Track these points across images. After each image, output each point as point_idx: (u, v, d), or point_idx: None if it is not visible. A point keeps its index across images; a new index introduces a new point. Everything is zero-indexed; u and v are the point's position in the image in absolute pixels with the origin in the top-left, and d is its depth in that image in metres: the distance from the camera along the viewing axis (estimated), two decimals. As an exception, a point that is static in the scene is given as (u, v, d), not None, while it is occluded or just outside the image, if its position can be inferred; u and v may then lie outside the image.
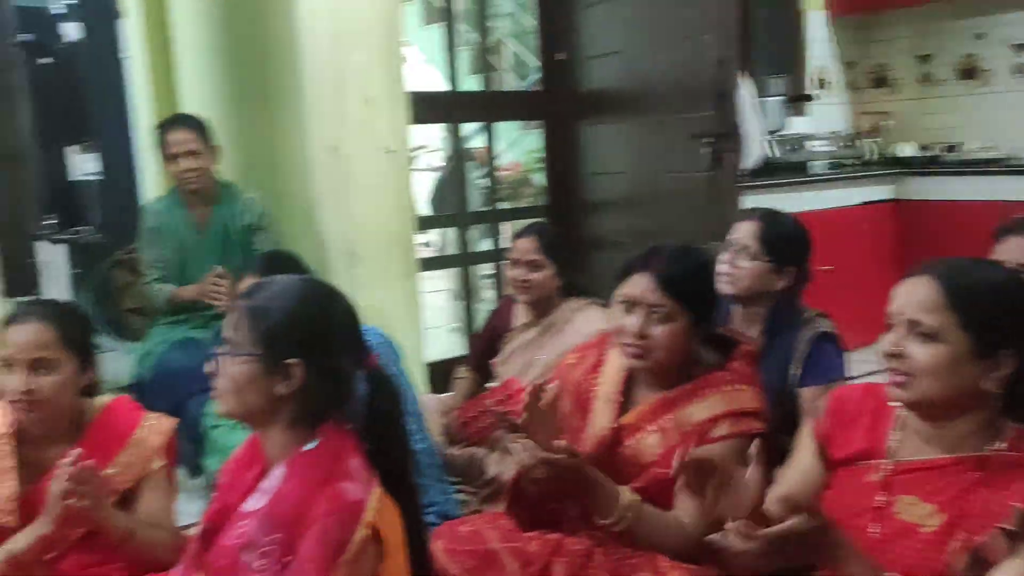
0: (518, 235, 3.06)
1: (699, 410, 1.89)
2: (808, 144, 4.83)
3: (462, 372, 3.24)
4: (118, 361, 3.48)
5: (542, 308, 3.00)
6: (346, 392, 1.48)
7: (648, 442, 1.93)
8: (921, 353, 1.45)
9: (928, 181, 4.85)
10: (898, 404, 1.55)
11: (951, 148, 5.03)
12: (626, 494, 1.82)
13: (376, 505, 1.37)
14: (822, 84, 5.31)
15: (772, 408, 2.32)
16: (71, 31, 5.89)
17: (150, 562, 1.81)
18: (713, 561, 1.69)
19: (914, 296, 1.48)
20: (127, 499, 1.95)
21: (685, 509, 1.85)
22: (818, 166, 4.77)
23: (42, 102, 5.95)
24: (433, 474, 2.47)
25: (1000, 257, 1.99)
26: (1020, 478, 1.41)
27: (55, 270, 4.82)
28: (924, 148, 5.08)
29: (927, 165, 4.95)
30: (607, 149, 4.29)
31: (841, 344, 2.41)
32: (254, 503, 1.42)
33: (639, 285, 1.88)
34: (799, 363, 2.35)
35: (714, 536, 1.43)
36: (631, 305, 1.90)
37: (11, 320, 1.90)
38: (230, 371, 1.43)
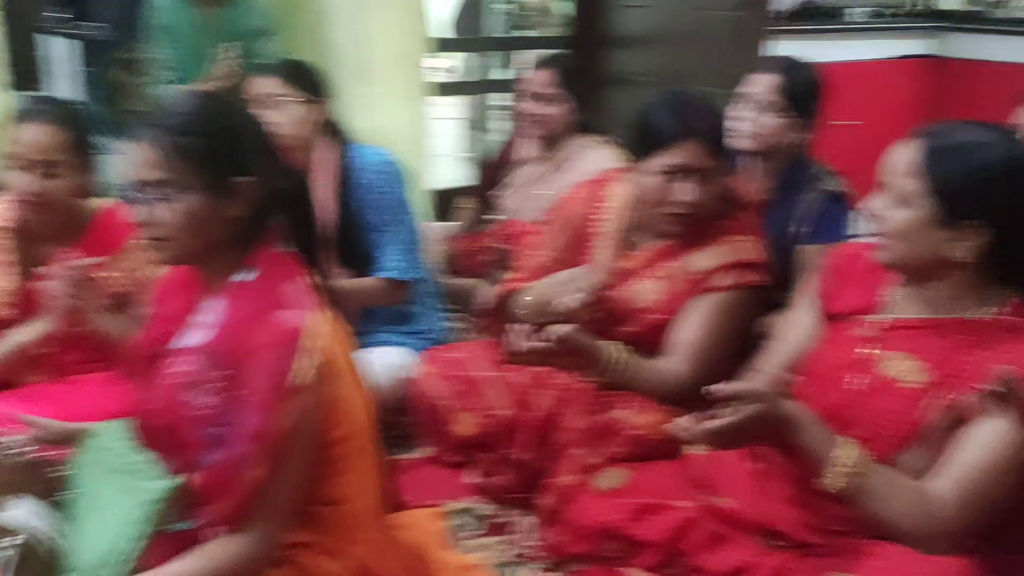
0: (534, 66, 2.94)
1: (700, 259, 1.88)
2: (850, -11, 4.57)
3: (466, 202, 3.21)
4: (117, 164, 3.45)
5: (553, 144, 2.93)
6: (278, 192, 1.41)
7: (646, 287, 1.93)
8: (893, 216, 1.45)
9: (971, 38, 4.61)
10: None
11: (998, 3, 4.75)
12: (613, 352, 1.82)
13: (316, 330, 1.31)
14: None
15: (777, 264, 2.31)
16: None
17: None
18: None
19: (898, 159, 1.46)
20: (123, 303, 1.98)
21: (679, 354, 1.87)
22: (857, 13, 4.52)
23: None
24: (429, 301, 2.49)
25: (1019, 120, 1.91)
26: (1011, 344, 1.42)
27: (65, 66, 4.71)
28: (971, 1, 4.80)
29: (971, 20, 4.70)
30: (637, -21, 4.07)
31: (849, 204, 2.36)
32: (193, 338, 1.36)
33: (692, 152, 1.80)
34: (805, 221, 2.30)
35: (672, 427, 1.46)
36: (684, 173, 1.83)
37: (22, 118, 1.89)
38: (178, 212, 1.32)
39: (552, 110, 2.84)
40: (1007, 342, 1.42)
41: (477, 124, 4.36)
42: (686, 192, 1.81)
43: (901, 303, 1.56)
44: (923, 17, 4.80)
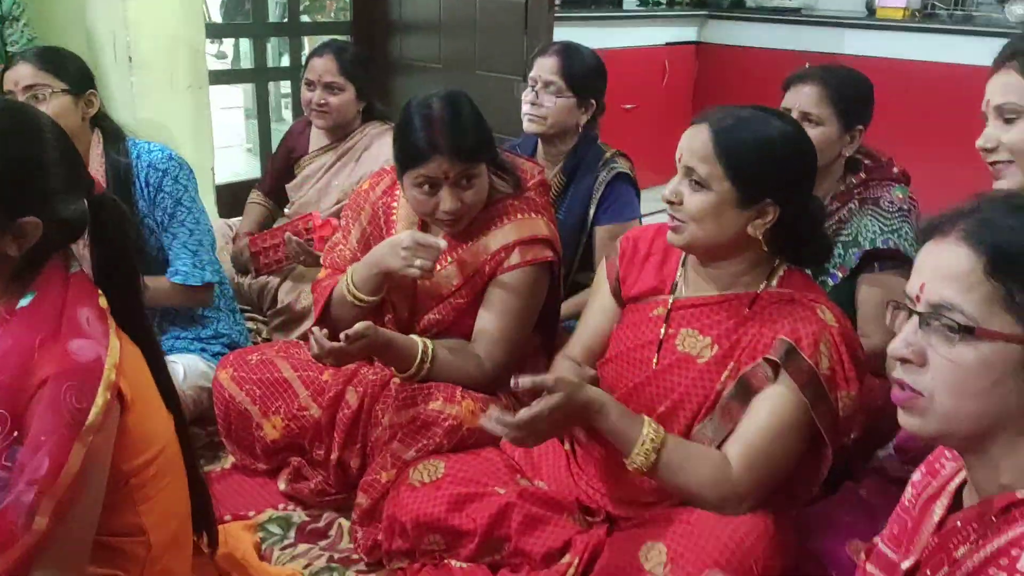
0: (314, 54, 2.84)
1: (494, 240, 1.90)
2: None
3: (255, 196, 3.07)
4: None
5: (340, 132, 2.85)
6: (72, 229, 1.24)
7: (446, 273, 1.92)
8: (692, 200, 1.51)
9: (731, 25, 4.97)
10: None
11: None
12: (420, 345, 1.82)
13: (116, 361, 1.17)
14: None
15: (572, 246, 2.38)
16: None
17: None
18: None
19: (691, 144, 1.52)
20: None
21: (484, 340, 1.88)
22: (628, 1, 4.74)
23: None
24: (224, 303, 2.36)
25: (787, 105, 2.07)
26: (786, 313, 1.52)
27: None
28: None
29: (729, 9, 5.06)
30: (418, -36, 4.05)
31: (636, 184, 2.48)
32: None
33: (441, 165, 1.79)
34: (597, 202, 2.40)
35: (483, 421, 1.48)
36: (437, 183, 1.82)
37: None
38: None
39: (337, 98, 2.77)
40: (783, 313, 1.53)
41: (264, 113, 4.18)
42: (447, 201, 1.82)
43: (690, 282, 1.64)
44: (688, 6, 5.11)
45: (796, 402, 1.47)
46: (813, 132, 1.98)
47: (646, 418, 1.48)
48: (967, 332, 0.90)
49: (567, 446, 1.74)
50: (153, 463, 1.26)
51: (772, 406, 1.48)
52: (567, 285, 2.31)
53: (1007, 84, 1.51)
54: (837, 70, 2.12)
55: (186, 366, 2.17)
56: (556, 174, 2.44)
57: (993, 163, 1.56)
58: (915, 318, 0.95)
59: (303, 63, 2.94)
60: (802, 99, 2.04)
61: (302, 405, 1.96)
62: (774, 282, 1.58)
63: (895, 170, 2.12)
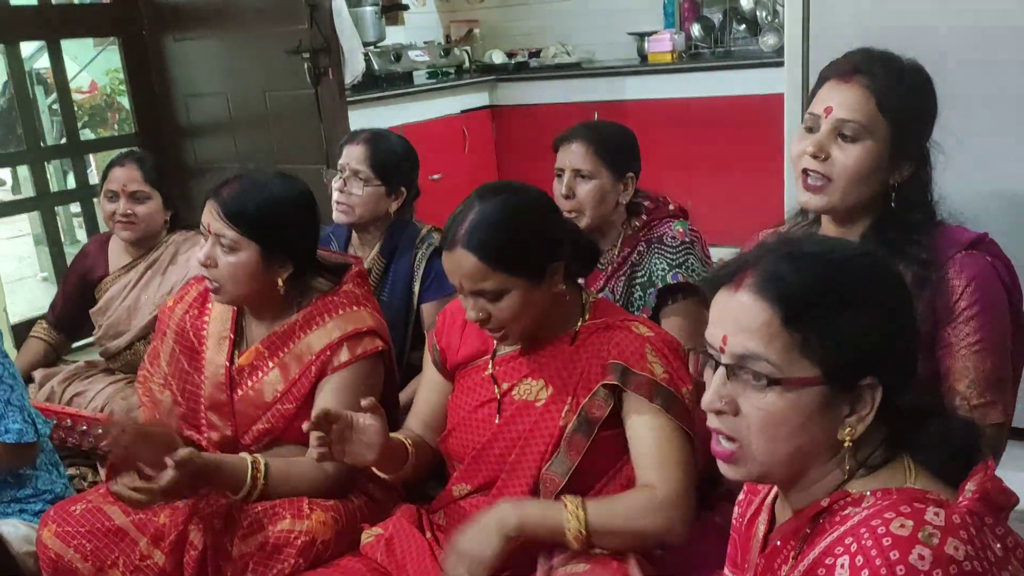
0: (114, 164, 2.72)
1: (317, 339, 1.84)
2: (408, 54, 4.88)
3: (39, 330, 2.87)
4: None
5: (146, 245, 2.73)
6: None
7: (268, 380, 1.86)
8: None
9: (520, 86, 5.17)
10: None
11: (534, 54, 5.39)
12: (249, 460, 1.75)
13: None
14: (414, -8, 5.37)
15: (401, 327, 2.37)
16: None
17: None
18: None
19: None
20: None
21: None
22: (418, 76, 4.85)
23: None
24: (42, 456, 2.15)
25: (559, 165, 2.17)
26: (607, 340, 1.60)
27: None
28: (511, 55, 5.39)
29: (515, 71, 5.27)
30: (199, 68, 3.98)
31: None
32: None
33: (207, 215, 1.79)
34: (419, 280, 2.40)
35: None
36: (207, 234, 1.81)
37: None
38: None
39: (144, 207, 2.66)
40: (604, 340, 1.61)
41: (55, 240, 3.94)
42: (200, 250, 1.82)
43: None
44: (475, 73, 5.29)
45: (656, 410, 1.53)
46: (588, 186, 2.12)
47: (564, 500, 1.48)
48: (774, 383, 0.94)
49: (428, 535, 1.70)
50: None
51: (642, 425, 1.53)
52: (402, 368, 2.29)
53: (854, 102, 1.48)
54: (599, 126, 2.25)
55: (5, 532, 1.97)
56: (374, 257, 2.42)
57: (810, 172, 1.51)
58: (722, 369, 0.99)
59: (101, 178, 2.78)
60: (571, 157, 2.16)
61: (144, 554, 1.80)
62: (587, 315, 1.65)
63: (671, 207, 2.25)
